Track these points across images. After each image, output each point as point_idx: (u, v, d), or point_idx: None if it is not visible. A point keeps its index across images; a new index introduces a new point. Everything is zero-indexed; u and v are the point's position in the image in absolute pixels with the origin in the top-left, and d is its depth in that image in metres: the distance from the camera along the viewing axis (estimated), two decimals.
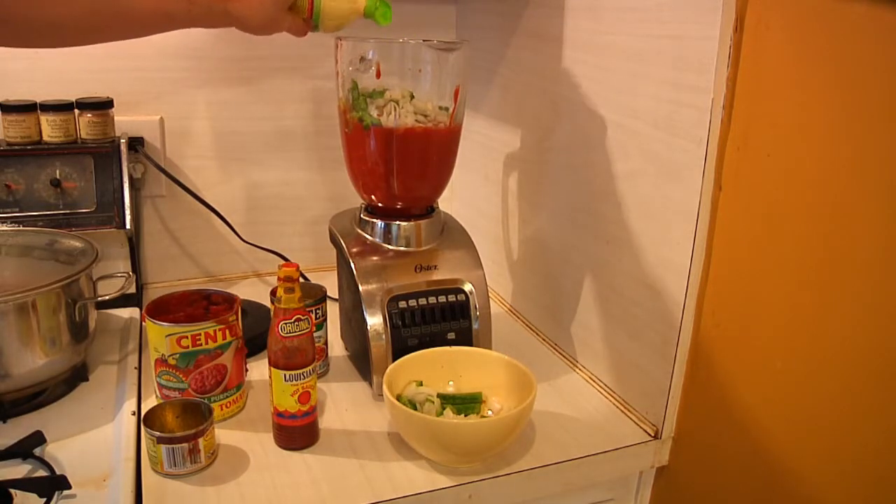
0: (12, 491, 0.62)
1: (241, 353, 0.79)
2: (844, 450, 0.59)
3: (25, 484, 0.64)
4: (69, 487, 0.63)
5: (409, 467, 0.71)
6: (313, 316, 0.82)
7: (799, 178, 0.60)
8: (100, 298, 0.84)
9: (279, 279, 0.70)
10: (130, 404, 0.79)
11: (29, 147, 0.96)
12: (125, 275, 0.91)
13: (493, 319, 0.86)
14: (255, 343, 0.91)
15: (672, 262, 0.73)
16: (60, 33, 0.72)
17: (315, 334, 0.75)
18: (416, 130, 0.80)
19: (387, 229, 0.83)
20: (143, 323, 0.77)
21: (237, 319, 0.78)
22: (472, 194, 1.18)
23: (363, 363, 0.86)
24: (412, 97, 0.80)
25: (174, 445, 0.67)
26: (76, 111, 0.98)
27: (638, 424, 0.80)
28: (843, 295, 0.57)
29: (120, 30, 0.75)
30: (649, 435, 0.78)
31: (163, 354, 0.74)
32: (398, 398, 0.73)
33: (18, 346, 0.75)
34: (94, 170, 0.98)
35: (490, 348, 0.85)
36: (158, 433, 0.67)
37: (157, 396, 0.78)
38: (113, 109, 1.01)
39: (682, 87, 0.69)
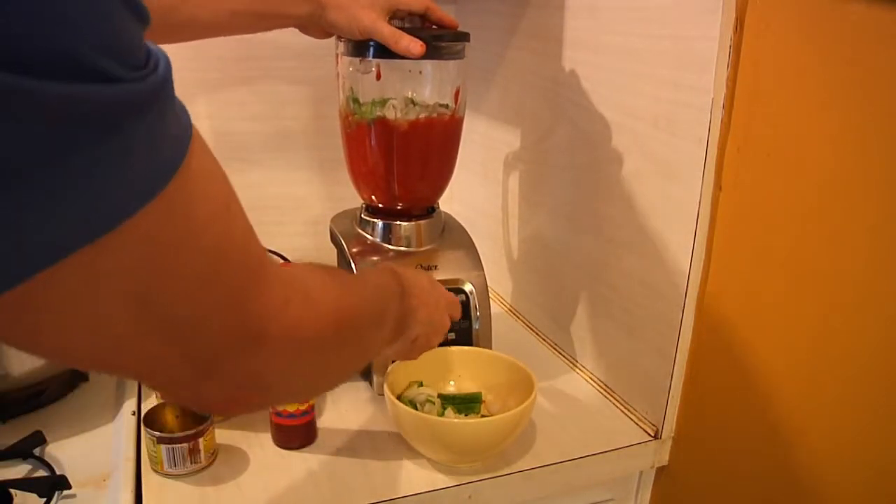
0: (12, 491, 0.62)
1: None
2: (845, 449, 0.59)
3: (25, 484, 0.64)
4: (69, 487, 0.64)
5: (409, 467, 0.71)
6: None
7: (799, 178, 0.60)
8: None
9: None
10: (130, 404, 0.79)
11: None
12: None
13: (493, 319, 0.86)
14: None
15: (672, 262, 0.73)
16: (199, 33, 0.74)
17: None
18: (418, 123, 0.79)
19: (387, 229, 0.83)
20: None
21: None
22: (472, 194, 1.18)
23: None
24: (413, 101, 0.80)
25: (174, 445, 0.67)
26: None
27: (638, 424, 0.80)
28: (843, 294, 0.57)
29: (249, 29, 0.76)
30: (649, 435, 0.78)
31: None
32: (399, 398, 0.73)
33: None
34: None
35: (490, 348, 0.85)
36: (158, 433, 0.67)
37: (157, 396, 0.78)
38: None
39: (682, 87, 0.69)
